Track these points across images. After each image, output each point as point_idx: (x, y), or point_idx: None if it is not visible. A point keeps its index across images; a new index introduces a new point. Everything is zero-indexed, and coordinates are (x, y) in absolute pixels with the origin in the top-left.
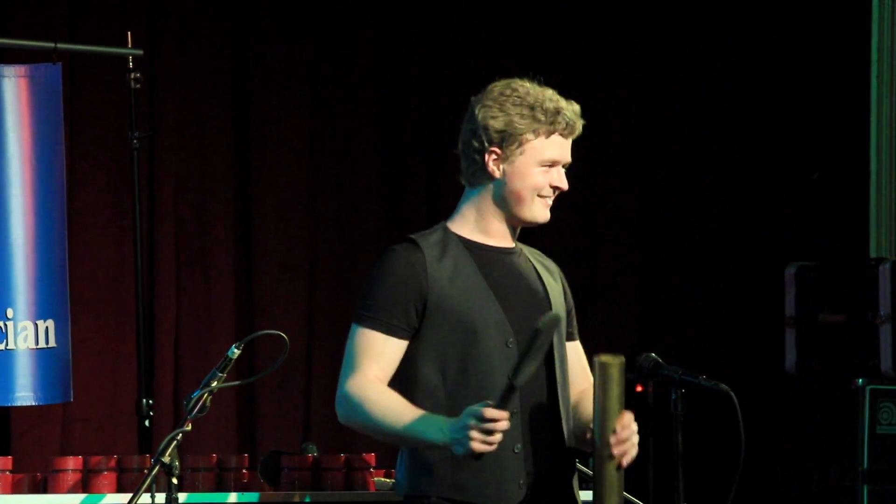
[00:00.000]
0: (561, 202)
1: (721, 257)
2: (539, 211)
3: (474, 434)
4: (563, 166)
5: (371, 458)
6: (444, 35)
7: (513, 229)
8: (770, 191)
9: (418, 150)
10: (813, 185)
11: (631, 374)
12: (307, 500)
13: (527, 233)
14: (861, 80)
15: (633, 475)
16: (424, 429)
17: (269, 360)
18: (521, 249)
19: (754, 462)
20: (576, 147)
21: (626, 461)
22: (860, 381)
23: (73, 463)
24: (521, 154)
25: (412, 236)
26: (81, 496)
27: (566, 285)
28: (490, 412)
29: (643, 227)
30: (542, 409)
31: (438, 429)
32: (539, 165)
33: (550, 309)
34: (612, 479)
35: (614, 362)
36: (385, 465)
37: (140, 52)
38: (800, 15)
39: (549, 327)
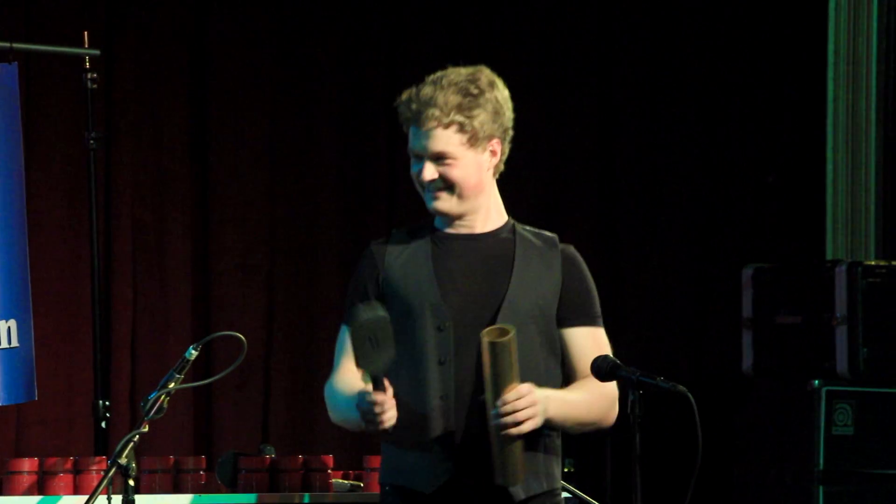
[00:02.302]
0: (520, 205)
1: (678, 259)
2: (429, 203)
3: (362, 415)
4: (442, 157)
5: (329, 459)
6: (404, 36)
7: (447, 217)
8: (727, 193)
9: (378, 151)
10: (769, 187)
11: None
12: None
13: None
14: (818, 83)
15: (592, 476)
16: (353, 407)
17: (227, 362)
18: (510, 233)
19: (711, 462)
20: (534, 152)
21: (511, 432)
22: (816, 382)
23: (28, 465)
24: None
25: (394, 229)
26: (37, 498)
27: (573, 270)
28: (370, 397)
29: (600, 229)
30: (476, 395)
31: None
32: (411, 156)
33: (503, 296)
34: (508, 450)
35: (500, 341)
36: (343, 466)
37: (97, 52)
38: (757, 17)
39: (360, 324)
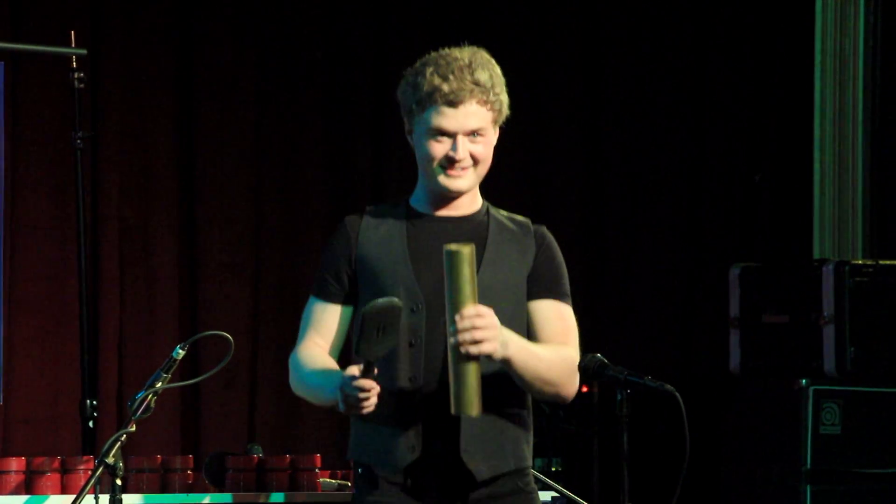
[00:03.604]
0: (504, 202)
1: (665, 258)
2: (443, 181)
3: (344, 398)
4: (475, 133)
5: (317, 458)
6: (390, 34)
7: (448, 197)
8: (714, 192)
9: (364, 149)
10: (756, 186)
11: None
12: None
13: None
14: (805, 82)
15: (579, 475)
16: (326, 385)
17: (214, 361)
18: (486, 217)
19: (699, 462)
20: (519, 150)
21: (469, 350)
22: (804, 381)
23: (15, 464)
24: (416, 125)
25: (369, 205)
26: (24, 497)
27: (545, 249)
28: (357, 382)
29: (587, 228)
30: (445, 381)
31: (333, 386)
32: (429, 136)
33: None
34: (462, 371)
35: (461, 250)
36: (331, 465)
37: (83, 51)
38: (744, 16)
39: (376, 312)
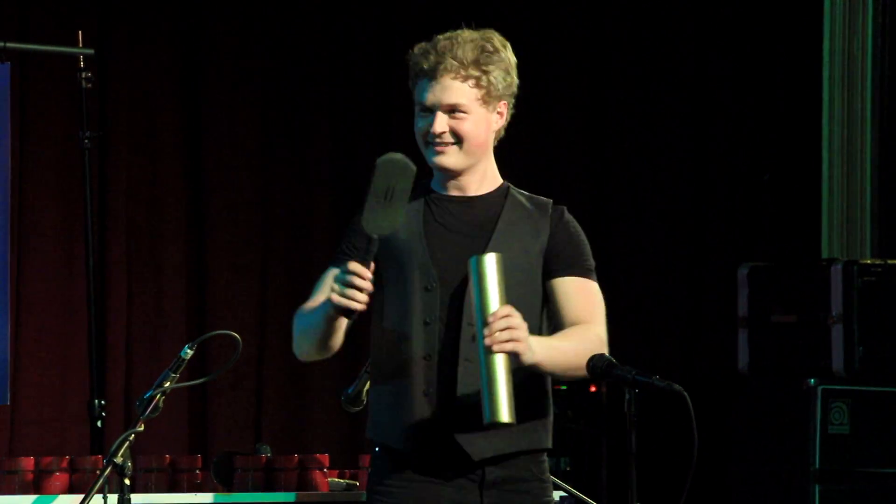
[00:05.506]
0: None
1: (673, 258)
2: (432, 157)
3: (334, 286)
4: (455, 109)
5: (325, 458)
6: (396, 35)
7: (446, 175)
8: (722, 192)
9: (371, 151)
10: (765, 186)
11: (584, 374)
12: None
13: None
14: (813, 81)
15: (588, 475)
16: (321, 307)
17: (222, 361)
18: (503, 198)
19: (707, 462)
20: (523, 149)
21: (499, 348)
22: (812, 381)
23: (24, 464)
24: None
25: None
26: (33, 497)
27: (562, 227)
28: (350, 265)
29: (593, 227)
30: (459, 360)
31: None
32: (417, 112)
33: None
34: (493, 370)
35: (485, 255)
36: (338, 465)
37: (91, 51)
38: (751, 16)
39: (387, 164)
